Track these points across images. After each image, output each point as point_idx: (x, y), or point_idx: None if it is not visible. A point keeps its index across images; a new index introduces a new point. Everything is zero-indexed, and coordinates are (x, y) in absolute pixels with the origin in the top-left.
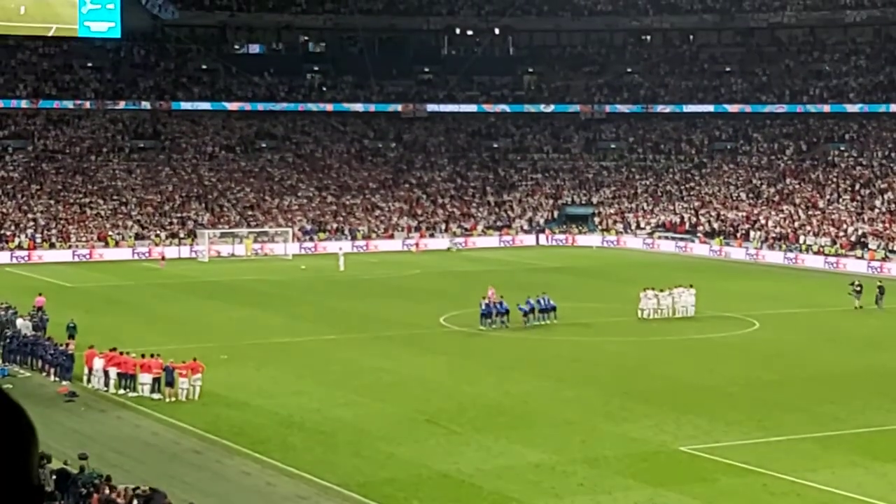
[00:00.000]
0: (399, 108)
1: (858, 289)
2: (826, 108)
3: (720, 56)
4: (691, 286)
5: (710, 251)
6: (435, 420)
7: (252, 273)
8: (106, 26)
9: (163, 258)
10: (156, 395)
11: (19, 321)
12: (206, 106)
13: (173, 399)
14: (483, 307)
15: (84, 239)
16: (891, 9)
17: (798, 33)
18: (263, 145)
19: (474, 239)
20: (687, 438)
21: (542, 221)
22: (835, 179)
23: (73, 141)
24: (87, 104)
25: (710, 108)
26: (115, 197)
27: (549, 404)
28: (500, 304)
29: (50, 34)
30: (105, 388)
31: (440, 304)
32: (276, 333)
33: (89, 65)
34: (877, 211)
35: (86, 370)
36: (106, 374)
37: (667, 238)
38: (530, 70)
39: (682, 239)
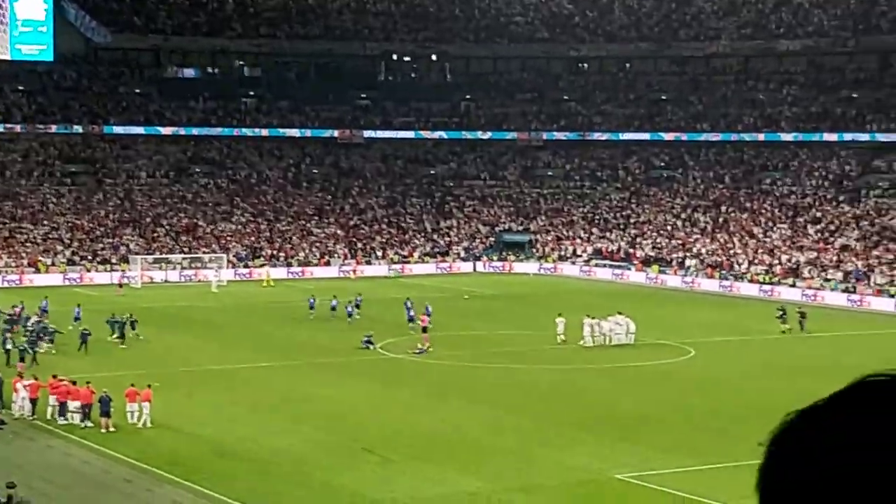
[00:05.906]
0: (335, 133)
1: (781, 314)
2: (760, 136)
3: (656, 84)
4: (625, 314)
5: (647, 279)
6: (371, 448)
7: (185, 299)
8: (37, 49)
9: (120, 284)
10: (86, 423)
11: None
12: (139, 130)
13: (113, 430)
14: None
15: (14, 265)
16: (824, 38)
17: (732, 62)
18: (197, 170)
19: (411, 266)
20: (623, 466)
21: (479, 248)
22: (769, 208)
23: (3, 165)
24: (18, 127)
25: (646, 136)
26: (45, 222)
27: (484, 432)
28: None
29: None
30: (31, 416)
31: (376, 331)
32: (209, 360)
33: (20, 88)
34: (810, 239)
35: (14, 397)
36: (33, 402)
37: (603, 265)
38: (467, 97)
39: (618, 266)
